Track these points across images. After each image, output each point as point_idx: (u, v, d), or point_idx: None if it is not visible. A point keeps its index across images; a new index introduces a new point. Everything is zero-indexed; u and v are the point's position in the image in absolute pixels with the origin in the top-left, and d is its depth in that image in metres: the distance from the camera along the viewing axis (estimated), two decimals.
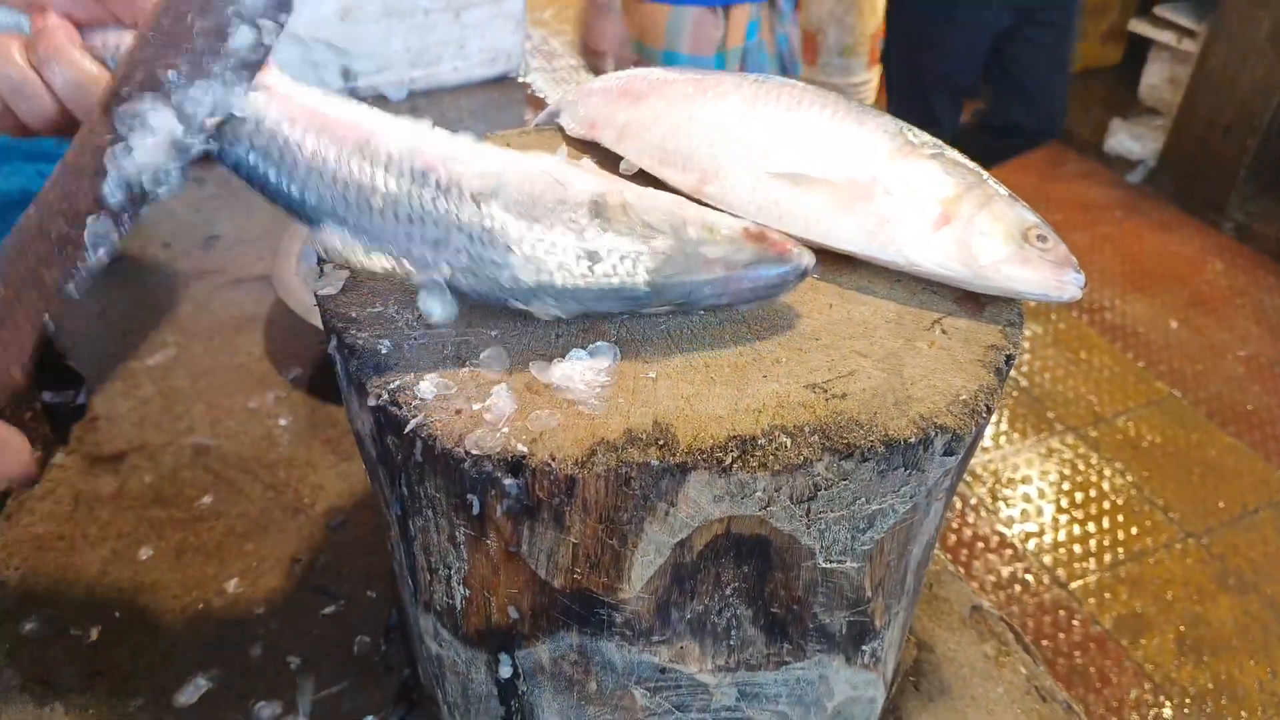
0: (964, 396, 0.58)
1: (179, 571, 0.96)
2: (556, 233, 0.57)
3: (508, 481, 0.54)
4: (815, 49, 3.30)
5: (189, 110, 0.50)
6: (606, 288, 0.58)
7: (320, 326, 1.14)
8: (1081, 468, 2.40)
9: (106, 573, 0.95)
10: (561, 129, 0.86)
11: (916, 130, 0.71)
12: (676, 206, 0.61)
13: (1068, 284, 0.63)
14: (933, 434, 0.56)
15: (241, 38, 0.51)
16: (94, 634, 0.90)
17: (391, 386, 0.56)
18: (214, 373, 1.21)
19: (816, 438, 0.54)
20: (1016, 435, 2.48)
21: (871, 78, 3.40)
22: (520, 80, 2.18)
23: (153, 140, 0.49)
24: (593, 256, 0.57)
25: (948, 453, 0.58)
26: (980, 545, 2.49)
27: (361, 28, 1.98)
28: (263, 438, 1.12)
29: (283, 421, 1.14)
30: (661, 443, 0.54)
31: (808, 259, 0.60)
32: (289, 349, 1.25)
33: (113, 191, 0.49)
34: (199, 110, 0.51)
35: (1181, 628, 2.12)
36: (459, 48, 2.09)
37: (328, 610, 0.93)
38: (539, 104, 2.09)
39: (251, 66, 0.53)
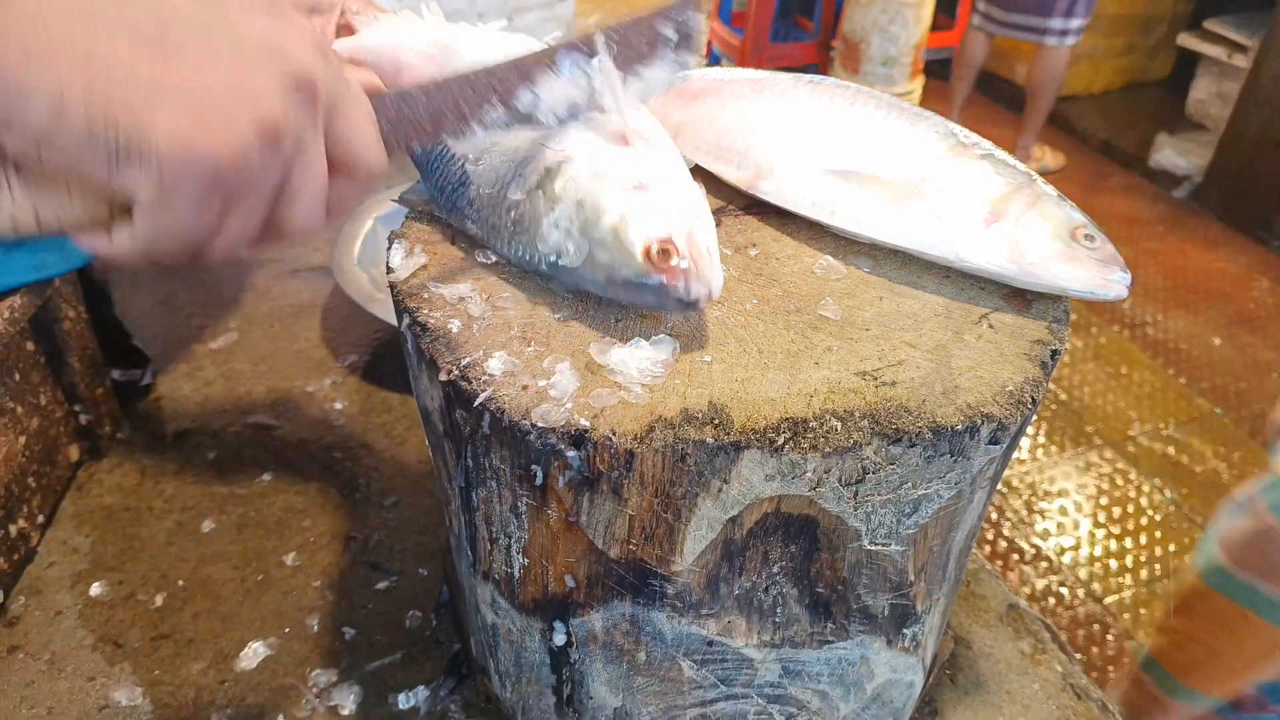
0: (1010, 388, 0.60)
1: (240, 544, 1.00)
2: (504, 192, 0.65)
3: (570, 454, 0.56)
4: (858, 58, 3.32)
5: (603, 88, 0.60)
6: (522, 255, 0.65)
7: (376, 315, 1.19)
8: (1120, 483, 2.38)
9: (171, 542, 1.00)
10: None
11: (967, 132, 0.73)
12: (609, 199, 0.61)
13: (1114, 282, 0.65)
14: (979, 423, 0.58)
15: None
16: (159, 600, 0.94)
17: (463, 363, 0.59)
18: (273, 357, 1.26)
19: (866, 422, 0.57)
20: (1054, 448, 2.47)
21: (914, 88, 3.41)
22: None
23: (575, 88, 0.60)
24: (517, 224, 0.64)
25: (993, 441, 0.60)
26: (1015, 557, 2.48)
27: None
28: (320, 420, 1.16)
29: (339, 405, 1.18)
30: (717, 422, 0.56)
31: (695, 292, 0.59)
32: (346, 336, 1.29)
33: (523, 98, 0.59)
34: (610, 92, 0.61)
35: None
36: None
37: (381, 585, 0.96)
38: None
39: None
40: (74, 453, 1.07)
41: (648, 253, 0.59)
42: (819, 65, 3.63)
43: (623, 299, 0.63)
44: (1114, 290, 0.65)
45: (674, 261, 0.59)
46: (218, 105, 0.38)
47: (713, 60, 3.91)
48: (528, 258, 0.65)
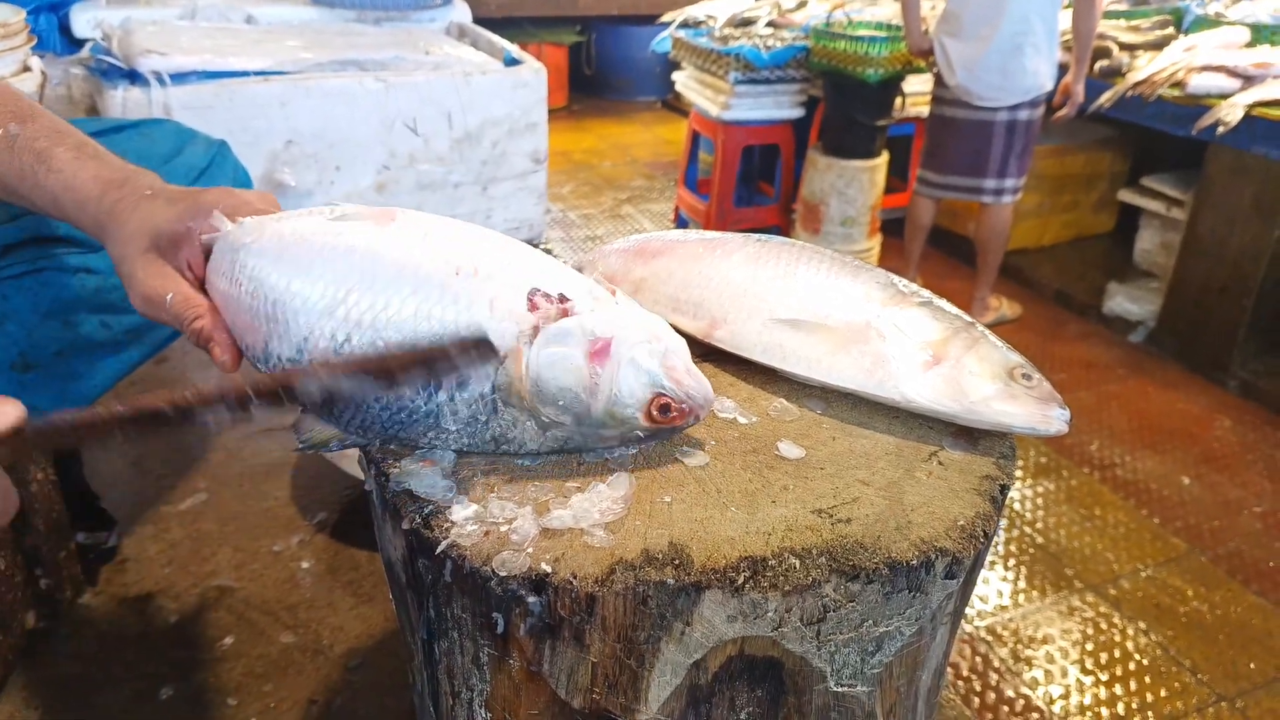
0: (962, 522, 0.62)
1: (199, 711, 0.96)
2: (470, 415, 0.64)
3: (531, 599, 0.57)
4: (818, 219, 3.48)
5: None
6: (514, 453, 0.67)
7: (348, 471, 1.20)
8: (1104, 627, 2.34)
9: (128, 711, 0.96)
10: None
11: (906, 281, 0.78)
12: (584, 390, 0.63)
13: (1053, 418, 0.68)
14: (934, 557, 0.59)
15: None
16: None
17: (425, 511, 0.60)
18: (242, 517, 1.25)
19: (824, 559, 0.58)
20: (1036, 594, 2.44)
21: (873, 246, 3.57)
22: (543, 247, 2.32)
23: None
24: (498, 441, 0.66)
25: (949, 575, 0.61)
26: (1005, 709, 2.40)
27: (395, 199, 2.15)
28: (286, 580, 1.14)
29: (305, 564, 1.17)
30: (677, 562, 0.57)
31: (702, 416, 0.65)
32: (315, 494, 1.29)
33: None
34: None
35: None
36: (485, 218, 2.26)
37: None
38: None
39: None
40: (30, 619, 1.04)
41: (650, 416, 0.64)
42: (781, 227, 3.80)
43: (635, 443, 0.67)
44: (1054, 426, 0.68)
45: (673, 409, 0.64)
46: None
47: (680, 224, 4.09)
48: (523, 451, 0.67)
